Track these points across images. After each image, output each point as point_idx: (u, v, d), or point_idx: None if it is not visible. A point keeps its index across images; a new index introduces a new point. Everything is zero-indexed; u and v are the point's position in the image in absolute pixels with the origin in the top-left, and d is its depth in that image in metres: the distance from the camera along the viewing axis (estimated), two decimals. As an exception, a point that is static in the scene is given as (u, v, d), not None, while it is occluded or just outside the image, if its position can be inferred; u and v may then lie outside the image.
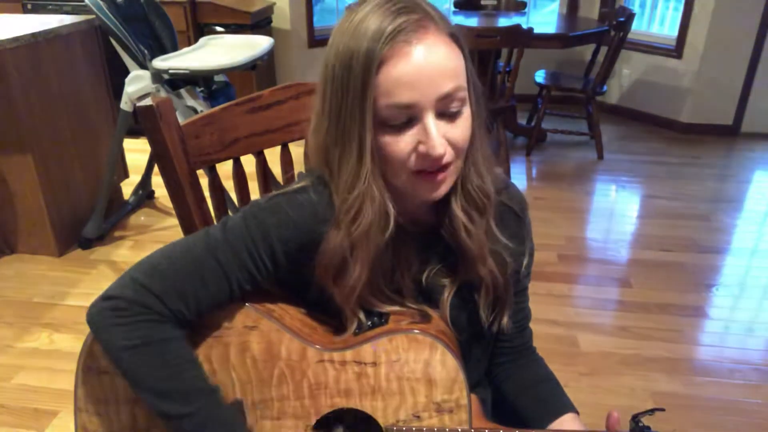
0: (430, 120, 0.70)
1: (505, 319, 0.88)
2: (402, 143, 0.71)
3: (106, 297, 0.73)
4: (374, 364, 0.78)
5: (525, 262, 0.90)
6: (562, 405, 0.90)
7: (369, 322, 0.81)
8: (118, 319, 0.72)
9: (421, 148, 0.70)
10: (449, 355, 0.77)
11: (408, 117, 0.70)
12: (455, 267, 0.85)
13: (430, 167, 0.72)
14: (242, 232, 0.76)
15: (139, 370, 0.72)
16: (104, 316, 0.72)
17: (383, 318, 0.81)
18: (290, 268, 0.79)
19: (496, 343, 0.94)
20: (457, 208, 0.79)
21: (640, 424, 0.76)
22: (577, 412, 0.90)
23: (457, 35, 0.72)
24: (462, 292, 0.86)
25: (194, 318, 0.75)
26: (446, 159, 0.72)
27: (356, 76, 0.69)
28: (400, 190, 0.76)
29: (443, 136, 0.71)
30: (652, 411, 0.77)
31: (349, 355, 0.78)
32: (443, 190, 0.75)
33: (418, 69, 0.68)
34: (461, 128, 0.73)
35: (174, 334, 0.74)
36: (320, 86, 0.75)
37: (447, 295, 0.85)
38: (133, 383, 0.73)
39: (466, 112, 0.73)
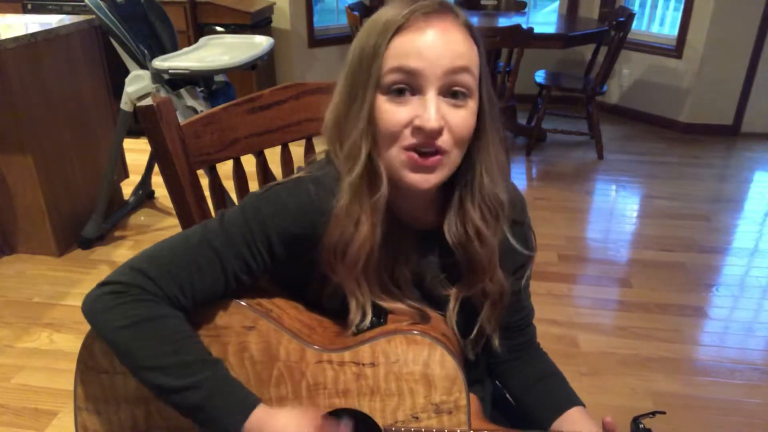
0: (431, 94, 0.71)
1: (496, 341, 0.88)
2: (399, 114, 0.71)
3: (102, 284, 0.73)
4: (373, 364, 0.78)
5: (527, 265, 0.90)
6: (569, 399, 0.90)
7: (368, 323, 0.81)
8: (115, 301, 0.71)
9: (417, 121, 0.71)
10: (448, 356, 0.77)
11: (411, 88, 0.71)
12: (457, 277, 0.84)
13: (423, 145, 0.72)
14: (239, 221, 0.76)
15: (139, 347, 0.71)
16: (101, 300, 0.72)
17: (382, 318, 0.81)
18: (288, 259, 0.78)
19: (500, 341, 0.94)
20: (474, 213, 0.79)
21: (641, 426, 0.76)
22: (583, 406, 0.90)
23: (472, 28, 0.75)
24: (466, 306, 0.85)
25: (190, 306, 0.75)
26: (442, 142, 0.72)
27: (371, 41, 0.72)
28: (393, 175, 0.75)
29: (442, 117, 0.71)
30: (653, 413, 0.77)
31: (347, 355, 0.78)
32: (434, 179, 0.74)
33: (432, 41, 0.70)
34: (463, 117, 0.73)
35: (172, 312, 0.73)
36: (342, 69, 0.77)
37: (453, 307, 0.84)
38: (133, 363, 0.72)
39: (472, 105, 0.73)
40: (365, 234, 0.75)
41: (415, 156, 0.72)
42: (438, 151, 0.72)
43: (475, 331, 0.86)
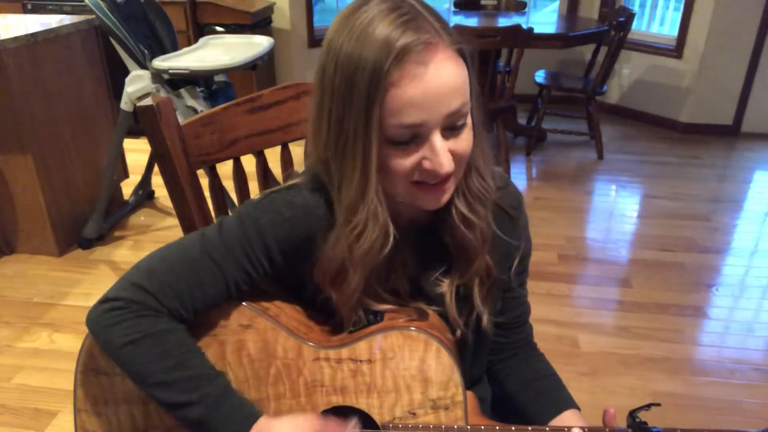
0: (437, 138, 0.69)
1: (485, 319, 0.87)
2: (407, 160, 0.70)
3: (103, 300, 0.74)
4: (370, 361, 0.78)
5: (518, 259, 0.89)
6: (563, 401, 0.90)
7: (364, 320, 0.81)
8: (116, 318, 0.72)
9: (426, 164, 0.70)
10: (444, 352, 0.78)
11: (413, 135, 0.69)
12: (450, 269, 0.85)
13: (432, 180, 0.72)
14: (237, 231, 0.76)
15: (143, 363, 0.72)
16: (103, 317, 0.73)
17: (378, 315, 0.81)
18: (287, 266, 0.79)
19: (497, 338, 0.94)
20: (459, 202, 0.79)
21: (637, 420, 0.76)
22: (578, 408, 0.90)
23: (463, 49, 0.70)
24: (459, 293, 0.86)
25: (191, 317, 0.76)
26: (451, 170, 0.72)
27: (360, 93, 0.66)
28: (403, 200, 0.76)
29: (449, 152, 0.70)
30: (648, 406, 0.77)
31: (344, 352, 0.78)
32: (445, 199, 0.75)
33: (428, 90, 0.66)
34: (465, 140, 0.73)
35: (173, 326, 0.74)
36: (317, 92, 0.72)
37: (450, 299, 0.84)
38: (138, 378, 0.73)
39: (469, 121, 0.73)
40: (358, 280, 0.76)
41: (428, 188, 0.73)
42: (447, 177, 0.73)
43: (469, 314, 0.86)
